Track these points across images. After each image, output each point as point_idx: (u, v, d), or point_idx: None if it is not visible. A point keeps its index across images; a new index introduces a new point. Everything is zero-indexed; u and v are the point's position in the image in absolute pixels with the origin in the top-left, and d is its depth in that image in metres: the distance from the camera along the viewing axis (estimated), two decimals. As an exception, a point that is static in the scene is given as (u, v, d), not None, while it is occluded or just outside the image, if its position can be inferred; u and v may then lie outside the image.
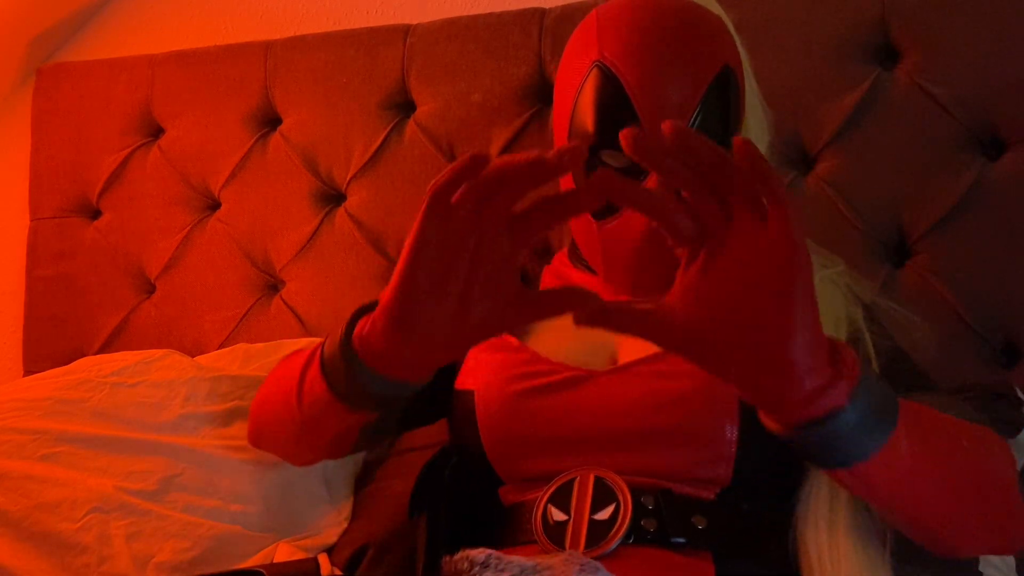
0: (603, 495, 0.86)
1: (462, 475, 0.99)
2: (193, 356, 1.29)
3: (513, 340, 0.96)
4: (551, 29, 1.35)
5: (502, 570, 0.69)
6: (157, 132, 1.55)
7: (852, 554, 0.83)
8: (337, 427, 0.91)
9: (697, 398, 0.87)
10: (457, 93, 1.38)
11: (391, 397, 0.81)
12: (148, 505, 1.03)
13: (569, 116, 0.94)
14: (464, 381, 0.97)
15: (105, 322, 1.54)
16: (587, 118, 0.92)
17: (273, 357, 1.25)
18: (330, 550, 1.11)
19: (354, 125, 1.43)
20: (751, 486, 0.88)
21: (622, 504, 0.85)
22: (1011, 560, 1.00)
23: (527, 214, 0.69)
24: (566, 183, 0.92)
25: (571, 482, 0.88)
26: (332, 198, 1.46)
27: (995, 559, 0.98)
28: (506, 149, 1.35)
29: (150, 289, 1.54)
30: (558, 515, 0.87)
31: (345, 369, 0.80)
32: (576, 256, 1.06)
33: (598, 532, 0.84)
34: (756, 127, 0.99)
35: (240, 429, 1.13)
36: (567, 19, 1.33)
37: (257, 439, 1.07)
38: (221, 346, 1.44)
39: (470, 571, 0.69)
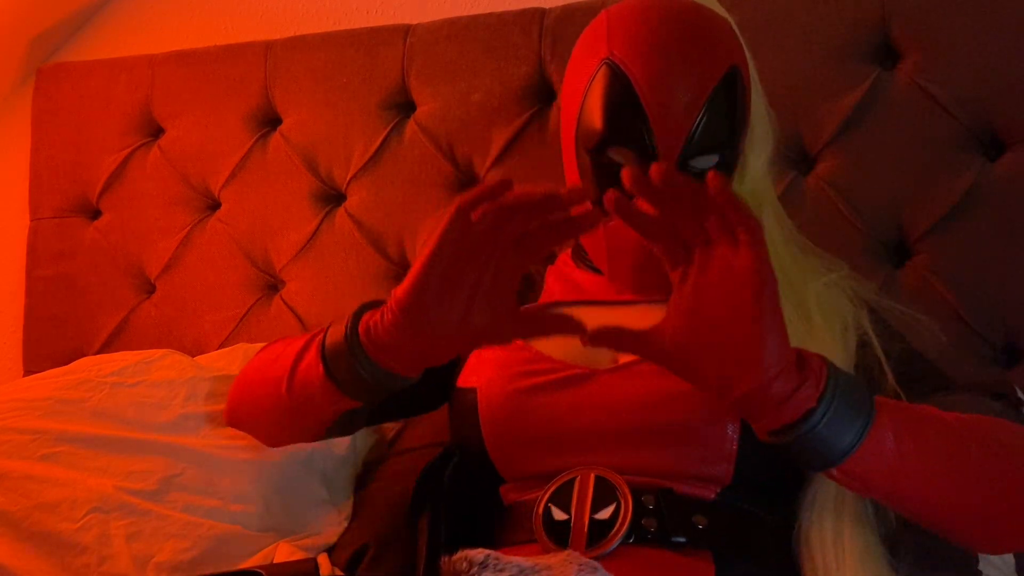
0: (604, 494, 0.86)
1: (463, 475, 0.99)
2: (193, 356, 1.29)
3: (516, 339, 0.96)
4: (551, 29, 1.35)
5: (501, 570, 0.69)
6: (157, 132, 1.55)
7: (857, 556, 0.83)
8: (324, 411, 0.95)
9: (698, 397, 0.87)
10: (457, 93, 1.38)
11: (384, 388, 0.88)
12: (148, 505, 1.03)
13: (577, 113, 0.95)
14: (467, 379, 0.97)
15: (105, 322, 1.54)
16: (595, 115, 0.92)
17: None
18: (330, 550, 1.11)
19: (354, 125, 1.43)
20: (752, 485, 0.88)
21: (623, 503, 0.85)
22: (1011, 560, 1.00)
23: (535, 233, 0.78)
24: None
25: (572, 481, 0.88)
26: (332, 198, 1.46)
27: (995, 559, 0.98)
28: (506, 149, 1.35)
29: (150, 289, 1.54)
30: (559, 514, 0.87)
31: (348, 357, 0.86)
32: (580, 256, 1.06)
33: (599, 532, 0.84)
34: (762, 130, 0.99)
35: (240, 429, 1.13)
36: (567, 19, 1.33)
37: (233, 417, 1.09)
38: (221, 346, 1.44)
39: (469, 571, 0.69)
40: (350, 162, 1.43)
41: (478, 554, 0.70)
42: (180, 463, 1.07)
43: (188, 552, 1.02)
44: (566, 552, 0.75)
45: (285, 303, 1.45)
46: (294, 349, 0.95)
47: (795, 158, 1.26)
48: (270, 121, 1.49)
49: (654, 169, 0.70)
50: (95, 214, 1.57)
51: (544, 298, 1.05)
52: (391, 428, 1.28)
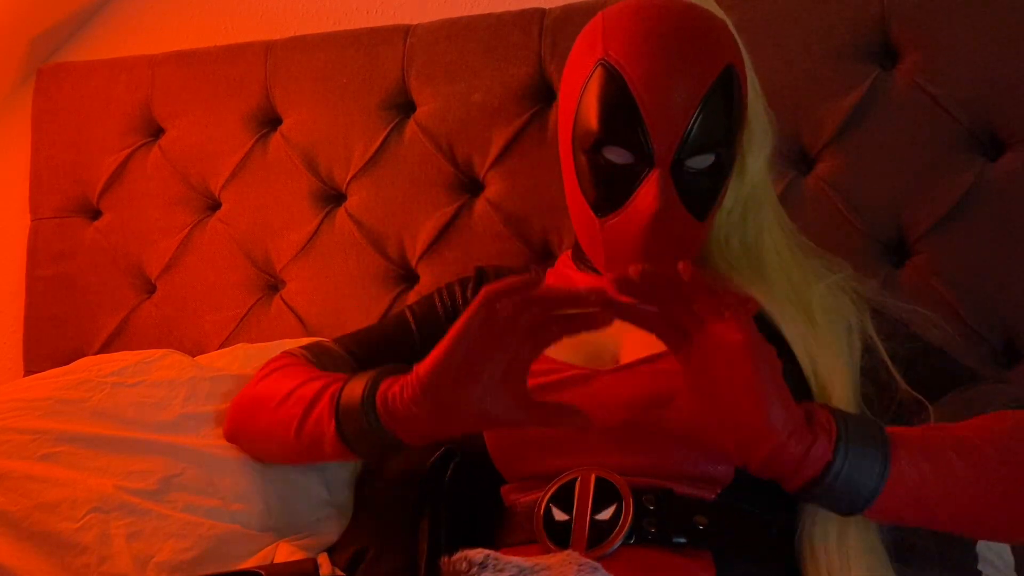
0: (604, 495, 0.86)
1: (464, 475, 0.99)
2: (193, 356, 1.29)
3: None
4: (551, 29, 1.35)
5: (500, 570, 0.69)
6: (157, 132, 1.55)
7: (862, 556, 0.84)
8: (329, 458, 0.99)
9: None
10: (457, 93, 1.38)
11: (391, 451, 0.92)
12: (148, 505, 1.03)
13: (574, 114, 0.95)
14: None
15: (105, 322, 1.54)
16: (591, 115, 0.93)
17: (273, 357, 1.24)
18: (330, 550, 1.11)
19: (354, 125, 1.43)
20: (752, 486, 0.88)
21: (623, 504, 0.85)
22: (1010, 560, 1.00)
23: (548, 325, 0.82)
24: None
25: (573, 482, 0.88)
26: (332, 198, 1.46)
27: (995, 559, 0.98)
28: (506, 149, 1.35)
29: (150, 289, 1.54)
30: (560, 515, 0.87)
31: (363, 423, 0.90)
32: (580, 257, 1.06)
33: (599, 532, 0.84)
34: (760, 132, 0.99)
35: (240, 429, 1.13)
36: (567, 19, 1.33)
37: (234, 439, 1.10)
38: (221, 346, 1.44)
39: (468, 571, 0.69)
40: (350, 162, 1.43)
41: (477, 554, 0.71)
42: (180, 463, 1.07)
43: (188, 552, 1.02)
44: (566, 552, 0.75)
45: (285, 303, 1.46)
46: (304, 395, 0.97)
47: (795, 158, 1.26)
48: (270, 121, 1.49)
49: (632, 271, 0.75)
50: (95, 214, 1.57)
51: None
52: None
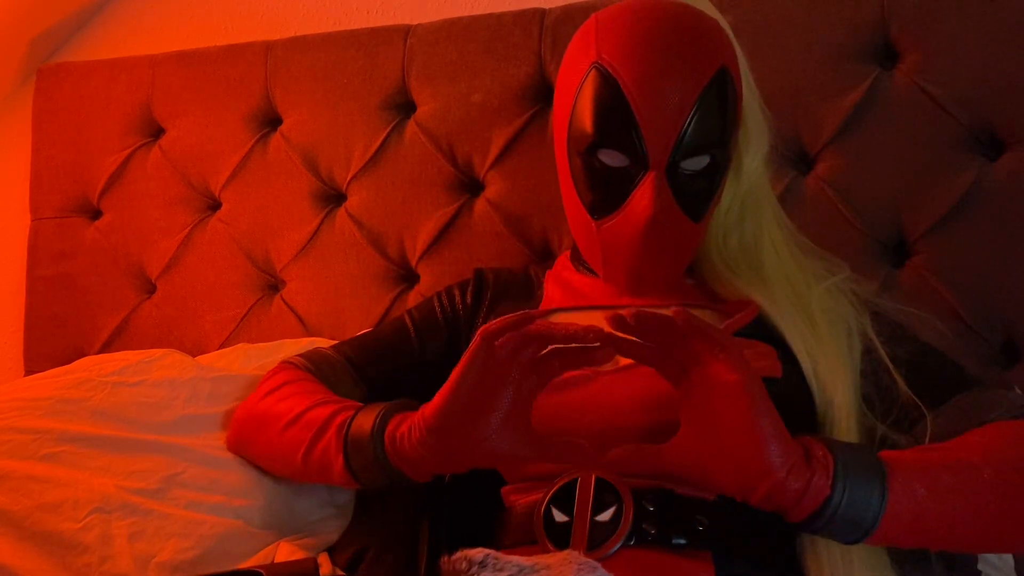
0: (605, 496, 0.86)
1: (464, 476, 0.99)
2: (194, 356, 1.29)
3: None
4: (551, 29, 1.35)
5: (500, 570, 0.69)
6: (157, 132, 1.55)
7: (864, 556, 0.84)
8: (335, 484, 0.99)
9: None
10: (457, 93, 1.38)
11: (396, 486, 0.93)
12: (150, 504, 1.03)
13: (568, 116, 0.95)
14: None
15: (106, 322, 1.54)
16: (585, 118, 0.93)
17: (274, 357, 1.25)
18: (331, 550, 1.11)
19: (354, 125, 1.44)
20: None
21: (624, 505, 0.85)
22: (1010, 560, 1.00)
23: (550, 359, 0.83)
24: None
25: (573, 483, 0.88)
26: (332, 198, 1.46)
27: (994, 559, 0.98)
28: (506, 149, 1.36)
29: (151, 289, 1.54)
30: (560, 516, 0.87)
31: (370, 458, 0.91)
32: (578, 258, 1.06)
33: (600, 534, 0.84)
34: (756, 132, 0.99)
35: (241, 430, 1.13)
36: (567, 19, 1.33)
37: (236, 450, 1.10)
38: (222, 346, 1.45)
39: (468, 571, 0.69)
40: (350, 162, 1.44)
41: (477, 553, 0.71)
42: (181, 462, 1.07)
43: (190, 551, 1.02)
44: (566, 552, 0.75)
45: (285, 303, 1.46)
46: (312, 421, 0.97)
47: (795, 158, 1.26)
48: (270, 121, 1.50)
49: (627, 313, 0.76)
50: (96, 214, 1.57)
51: (544, 304, 1.05)
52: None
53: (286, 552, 1.06)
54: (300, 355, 1.10)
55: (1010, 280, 1.16)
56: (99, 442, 1.07)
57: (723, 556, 0.85)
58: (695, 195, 0.93)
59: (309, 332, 1.42)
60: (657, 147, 0.90)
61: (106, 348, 1.52)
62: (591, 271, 1.03)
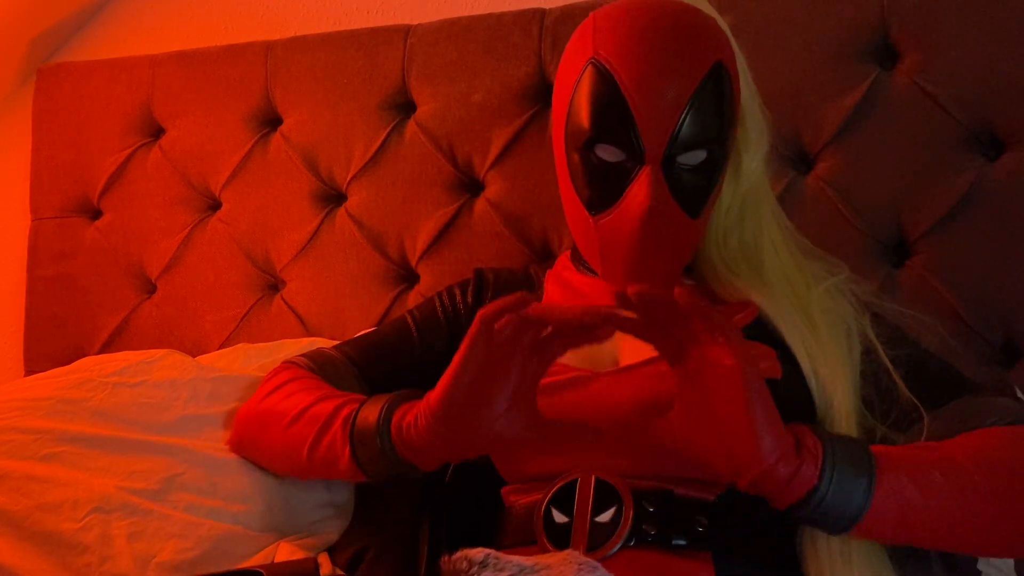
0: (604, 497, 0.86)
1: (464, 476, 0.99)
2: (194, 356, 1.29)
3: None
4: (551, 29, 1.35)
5: (500, 569, 0.69)
6: (158, 132, 1.55)
7: (863, 556, 0.84)
8: (342, 478, 1.00)
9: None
10: (457, 93, 1.38)
11: (405, 476, 0.93)
12: (150, 505, 1.03)
13: (566, 113, 0.96)
14: None
15: (106, 322, 1.54)
16: (582, 114, 0.93)
17: (274, 357, 1.25)
18: (331, 550, 1.11)
19: (354, 125, 1.44)
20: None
21: (623, 506, 0.85)
22: (1010, 560, 1.00)
23: (551, 341, 0.83)
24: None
25: (573, 483, 0.88)
26: (332, 198, 1.46)
27: (995, 559, 0.98)
28: (506, 149, 1.36)
29: (151, 289, 1.54)
30: (560, 517, 0.87)
31: (377, 449, 0.91)
32: (578, 258, 1.06)
33: (599, 534, 0.84)
34: (755, 131, 0.99)
35: (241, 429, 1.13)
36: (567, 19, 1.33)
37: (239, 450, 1.10)
38: (222, 346, 1.45)
39: (468, 571, 0.69)
40: (350, 162, 1.44)
41: (478, 553, 0.71)
42: (182, 463, 1.07)
43: (189, 552, 1.02)
44: (566, 552, 0.75)
45: (286, 303, 1.46)
46: (316, 416, 0.97)
47: (795, 158, 1.26)
48: (270, 121, 1.50)
49: (631, 291, 0.76)
50: (96, 214, 1.58)
51: (545, 301, 1.05)
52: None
53: (286, 552, 1.06)
54: (302, 355, 1.10)
55: (1010, 280, 1.16)
56: (99, 442, 1.07)
57: (723, 557, 0.85)
58: (692, 191, 0.93)
59: (309, 332, 1.43)
60: (653, 141, 0.90)
61: (106, 348, 1.52)
62: (591, 271, 1.03)
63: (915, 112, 1.21)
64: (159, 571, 1.00)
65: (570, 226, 1.02)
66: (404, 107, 1.43)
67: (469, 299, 1.10)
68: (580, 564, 0.71)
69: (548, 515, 0.87)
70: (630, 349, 0.94)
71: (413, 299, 1.39)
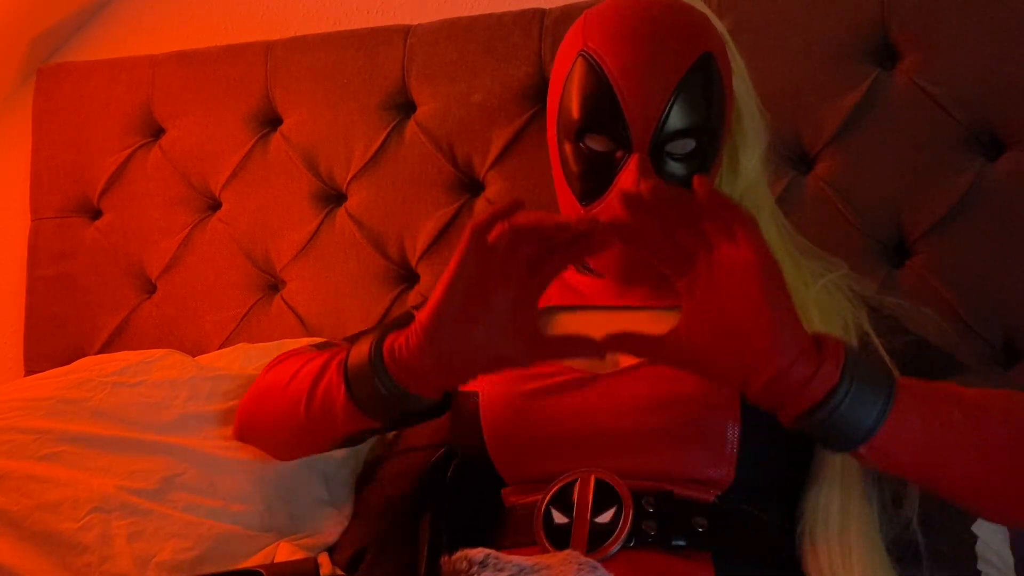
0: (604, 497, 0.86)
1: (464, 476, 0.99)
2: (194, 356, 1.29)
3: None
4: (551, 29, 1.35)
5: (500, 569, 0.69)
6: (158, 132, 1.55)
7: (863, 555, 0.84)
8: (343, 430, 0.95)
9: (699, 400, 0.88)
10: (457, 93, 1.38)
11: (406, 409, 0.89)
12: (149, 504, 1.03)
13: (558, 105, 0.98)
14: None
15: (106, 322, 1.54)
16: (572, 105, 0.95)
17: (274, 357, 1.25)
18: (331, 550, 1.11)
19: (354, 125, 1.44)
20: (752, 487, 0.88)
21: (623, 507, 0.85)
22: (1010, 560, 1.01)
23: (551, 256, 0.80)
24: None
25: (572, 484, 0.88)
26: (333, 198, 1.46)
27: (994, 559, 0.98)
28: (506, 149, 1.36)
29: (151, 289, 1.54)
30: (560, 518, 0.87)
31: (372, 379, 0.87)
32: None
33: (599, 535, 0.84)
34: (753, 131, 0.99)
35: (241, 429, 1.13)
36: (567, 19, 1.33)
37: (244, 433, 1.09)
38: (222, 346, 1.45)
39: (468, 571, 0.69)
40: (350, 162, 1.44)
41: (478, 553, 0.71)
42: (181, 463, 1.07)
43: (189, 552, 1.02)
44: (566, 552, 0.75)
45: (285, 303, 1.46)
46: (311, 370, 0.96)
47: (795, 158, 1.26)
48: (270, 121, 1.50)
49: (643, 186, 0.74)
50: (96, 214, 1.58)
51: (543, 303, 1.05)
52: (392, 428, 1.28)
53: (286, 552, 1.06)
54: (307, 346, 1.10)
55: (1010, 280, 1.16)
56: (99, 442, 1.07)
57: (723, 557, 0.85)
58: (682, 181, 0.93)
59: (309, 332, 1.42)
60: (640, 129, 0.91)
61: (106, 348, 1.52)
62: (590, 270, 1.03)
63: (915, 112, 1.21)
64: (159, 571, 1.00)
65: None
66: (404, 107, 1.43)
67: None
68: (580, 564, 0.71)
69: (548, 516, 0.87)
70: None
71: (413, 299, 1.39)
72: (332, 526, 1.13)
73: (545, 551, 0.85)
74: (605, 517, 0.85)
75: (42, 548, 0.99)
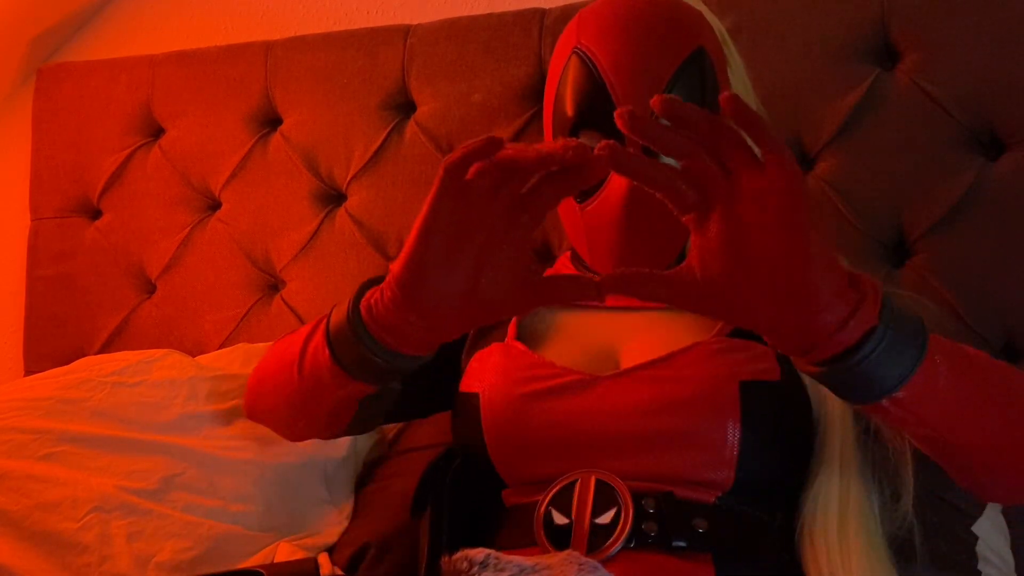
0: (604, 498, 0.86)
1: (465, 476, 0.99)
2: (194, 356, 1.29)
3: (519, 345, 0.97)
4: (551, 29, 1.35)
5: (501, 570, 0.69)
6: (157, 132, 1.55)
7: (863, 554, 0.84)
8: (335, 397, 0.91)
9: (699, 402, 0.88)
10: (457, 93, 1.38)
11: (393, 369, 0.83)
12: (149, 504, 1.03)
13: (553, 104, 0.99)
14: (469, 384, 0.97)
15: (105, 322, 1.54)
16: (566, 101, 0.96)
17: (273, 357, 1.25)
18: (331, 549, 1.11)
19: (354, 125, 1.44)
20: (752, 489, 0.88)
21: (623, 508, 0.85)
22: (1010, 560, 1.01)
23: (538, 190, 0.73)
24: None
25: (572, 484, 0.88)
26: (332, 198, 1.46)
27: (994, 559, 0.98)
28: (506, 149, 1.36)
29: (151, 289, 1.54)
30: (560, 519, 0.87)
31: (351, 338, 0.82)
32: (578, 259, 1.06)
33: (599, 536, 0.84)
34: None
35: (241, 429, 1.14)
36: (567, 19, 1.31)
37: (253, 410, 1.07)
38: (221, 346, 1.45)
39: (469, 571, 0.69)
40: (350, 162, 1.44)
41: (478, 553, 0.71)
42: (181, 463, 1.08)
43: (189, 552, 1.02)
44: (567, 552, 0.75)
45: (285, 303, 1.46)
46: (303, 333, 0.94)
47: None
48: (270, 121, 1.50)
49: (654, 101, 0.65)
50: (96, 214, 1.58)
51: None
52: (392, 428, 1.28)
53: (286, 552, 1.06)
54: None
55: (1010, 280, 1.16)
56: (98, 442, 1.07)
57: (723, 558, 0.84)
58: None
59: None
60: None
61: (106, 348, 1.52)
62: (591, 271, 1.03)
63: (915, 112, 1.21)
64: (158, 571, 1.00)
65: (561, 220, 1.03)
66: (404, 107, 1.43)
67: None
68: (581, 564, 0.71)
69: (548, 516, 0.87)
70: (632, 352, 0.94)
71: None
72: (332, 526, 1.13)
73: (545, 551, 0.85)
74: (605, 518, 0.85)
75: (41, 548, 0.99)
